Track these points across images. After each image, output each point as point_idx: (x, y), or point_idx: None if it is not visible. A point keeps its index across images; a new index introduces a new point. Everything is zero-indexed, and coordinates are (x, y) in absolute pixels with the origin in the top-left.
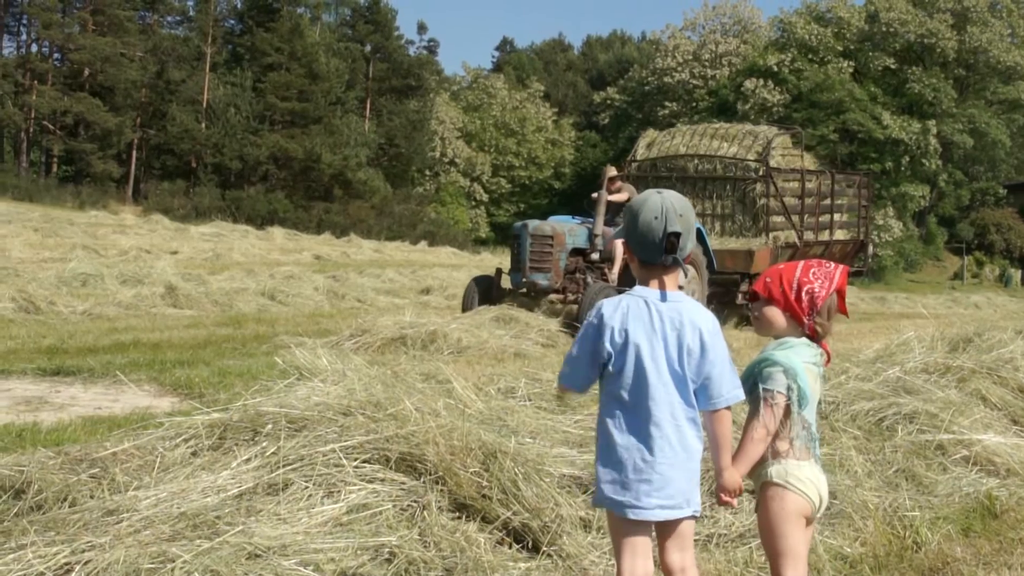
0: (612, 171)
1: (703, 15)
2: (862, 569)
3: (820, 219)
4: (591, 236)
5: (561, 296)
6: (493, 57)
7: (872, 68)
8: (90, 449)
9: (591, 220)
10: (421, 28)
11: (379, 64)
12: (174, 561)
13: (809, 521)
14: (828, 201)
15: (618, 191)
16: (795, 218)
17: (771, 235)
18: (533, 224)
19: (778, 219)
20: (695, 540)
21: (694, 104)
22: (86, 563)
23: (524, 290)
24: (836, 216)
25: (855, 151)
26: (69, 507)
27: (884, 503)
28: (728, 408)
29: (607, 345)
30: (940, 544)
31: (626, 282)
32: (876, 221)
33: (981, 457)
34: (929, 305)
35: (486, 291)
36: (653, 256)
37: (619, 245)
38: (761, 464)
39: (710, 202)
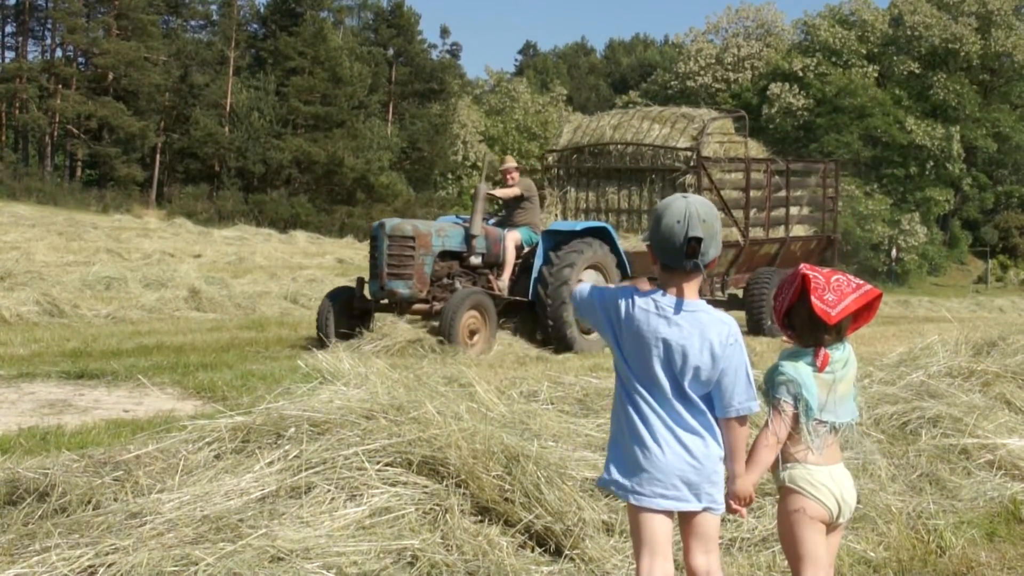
0: (509, 161)
1: (726, 18)
2: (886, 573)
3: (772, 214)
4: (467, 237)
5: (426, 307)
6: (516, 60)
7: (896, 72)
8: (114, 452)
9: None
10: (444, 32)
11: (402, 68)
12: (197, 564)
13: (830, 525)
14: (783, 193)
15: (513, 184)
16: (738, 213)
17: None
18: (391, 223)
19: None
20: (718, 543)
21: (717, 108)
22: (110, 565)
23: (385, 300)
24: (793, 210)
25: (879, 155)
26: (93, 510)
27: (908, 507)
28: (741, 417)
29: (613, 321)
30: (964, 549)
31: (518, 291)
32: (901, 226)
33: (1005, 461)
34: (953, 309)
35: (346, 304)
36: (674, 261)
37: (511, 248)
38: (777, 468)
39: (636, 195)
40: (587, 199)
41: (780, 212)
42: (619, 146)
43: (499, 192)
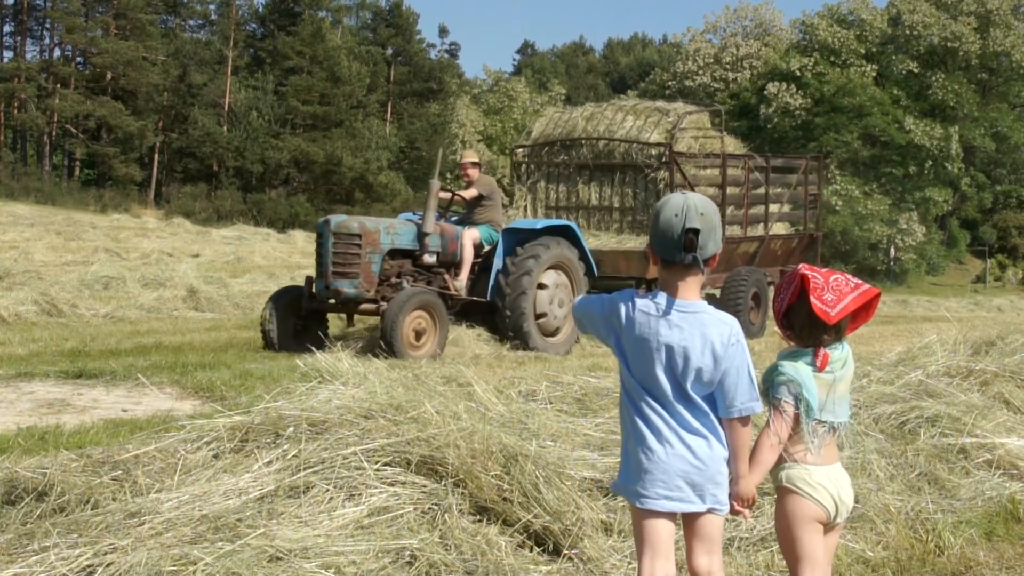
0: (471, 156)
1: (724, 18)
2: (884, 573)
3: (751, 211)
4: (420, 235)
5: (374, 307)
6: (514, 60)
7: (895, 71)
8: (112, 452)
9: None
10: (443, 31)
11: (400, 67)
12: (196, 563)
13: (827, 525)
14: (762, 190)
15: (471, 182)
16: None
17: None
18: (336, 220)
19: None
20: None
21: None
22: (108, 565)
23: (332, 300)
24: (773, 207)
25: (878, 155)
26: (91, 509)
27: (906, 507)
28: (743, 418)
29: (615, 327)
30: (963, 548)
31: (477, 291)
32: (899, 225)
33: (1004, 461)
34: (951, 308)
35: (292, 305)
36: (672, 254)
37: (468, 247)
38: (776, 467)
39: (608, 191)
40: (557, 195)
41: (759, 209)
42: (590, 141)
43: (464, 192)
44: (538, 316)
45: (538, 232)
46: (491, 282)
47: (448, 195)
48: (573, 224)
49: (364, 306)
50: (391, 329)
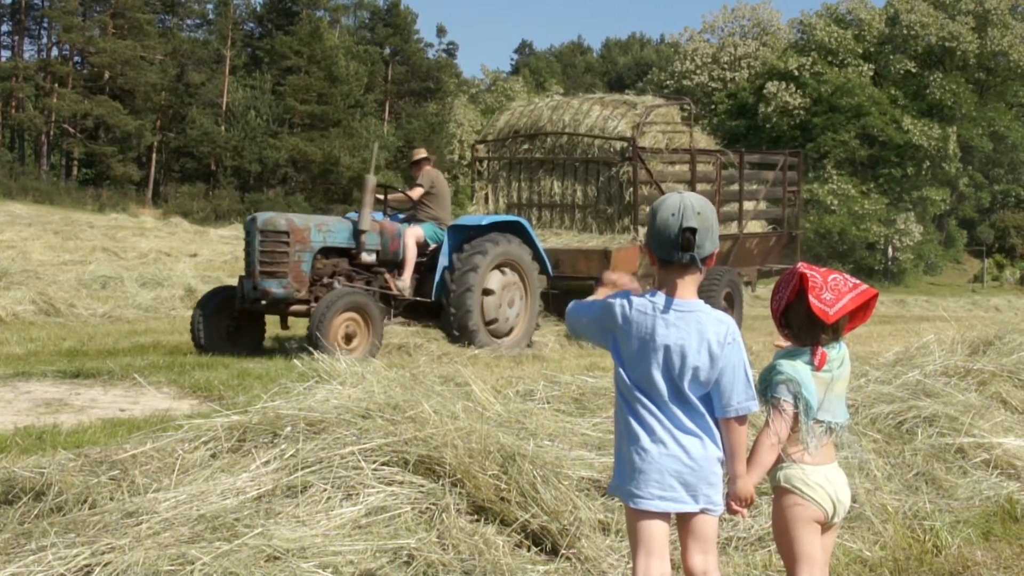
0: (420, 153)
1: (722, 17)
2: (882, 573)
3: (724, 209)
4: (356, 232)
5: (305, 308)
6: (512, 60)
7: (893, 71)
8: (110, 451)
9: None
10: (440, 31)
11: (398, 67)
12: (193, 563)
13: (824, 525)
14: (735, 187)
15: (421, 178)
16: None
17: (643, 231)
18: (263, 217)
19: None
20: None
21: (713, 107)
22: (106, 565)
23: (264, 301)
24: (748, 205)
25: (876, 154)
26: (89, 509)
27: (904, 507)
28: (740, 417)
29: (611, 327)
30: (960, 548)
31: (423, 291)
32: (897, 225)
33: (1002, 460)
34: (949, 308)
35: (223, 306)
36: (669, 254)
37: (411, 245)
38: (773, 467)
39: (571, 188)
40: (519, 190)
41: (733, 207)
42: (552, 136)
43: (413, 192)
44: (488, 322)
45: (485, 228)
46: (436, 281)
47: (399, 196)
48: (523, 220)
49: (295, 307)
50: (317, 331)
